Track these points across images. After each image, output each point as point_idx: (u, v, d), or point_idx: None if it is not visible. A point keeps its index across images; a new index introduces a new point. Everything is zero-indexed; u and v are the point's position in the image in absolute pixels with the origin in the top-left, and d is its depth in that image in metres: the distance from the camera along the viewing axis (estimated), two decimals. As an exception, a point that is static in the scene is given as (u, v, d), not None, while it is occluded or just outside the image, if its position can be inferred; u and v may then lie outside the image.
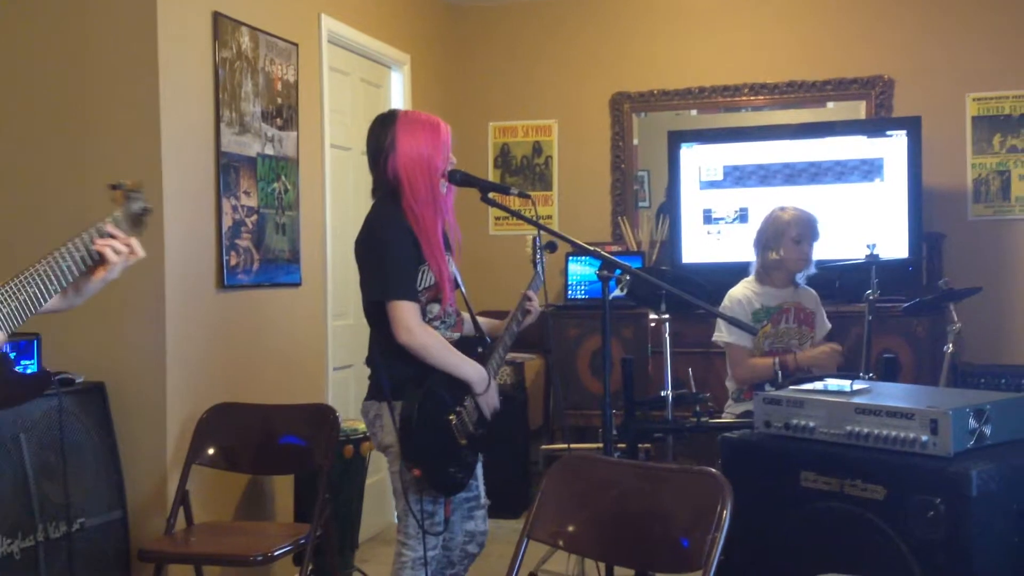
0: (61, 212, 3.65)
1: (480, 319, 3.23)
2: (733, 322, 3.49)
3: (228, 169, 3.94)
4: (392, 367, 2.95)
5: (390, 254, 2.93)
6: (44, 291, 1.94)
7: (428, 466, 2.93)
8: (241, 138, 4.02)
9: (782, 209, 4.20)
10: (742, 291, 4.17)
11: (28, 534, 3.17)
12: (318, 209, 4.64)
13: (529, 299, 3.22)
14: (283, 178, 4.31)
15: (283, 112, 4.32)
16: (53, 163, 3.69)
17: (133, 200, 2.12)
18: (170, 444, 3.63)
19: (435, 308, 3.01)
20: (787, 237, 4.11)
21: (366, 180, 3.12)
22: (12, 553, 3.11)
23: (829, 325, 4.33)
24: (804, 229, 4.12)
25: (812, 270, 4.21)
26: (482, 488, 3.20)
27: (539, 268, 3.27)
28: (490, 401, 3.07)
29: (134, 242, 2.07)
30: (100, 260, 2.03)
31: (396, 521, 3.14)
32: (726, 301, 4.17)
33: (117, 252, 2.04)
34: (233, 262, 3.96)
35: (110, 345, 3.58)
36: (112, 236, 2.04)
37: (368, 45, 5.17)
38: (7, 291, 1.91)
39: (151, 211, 2.17)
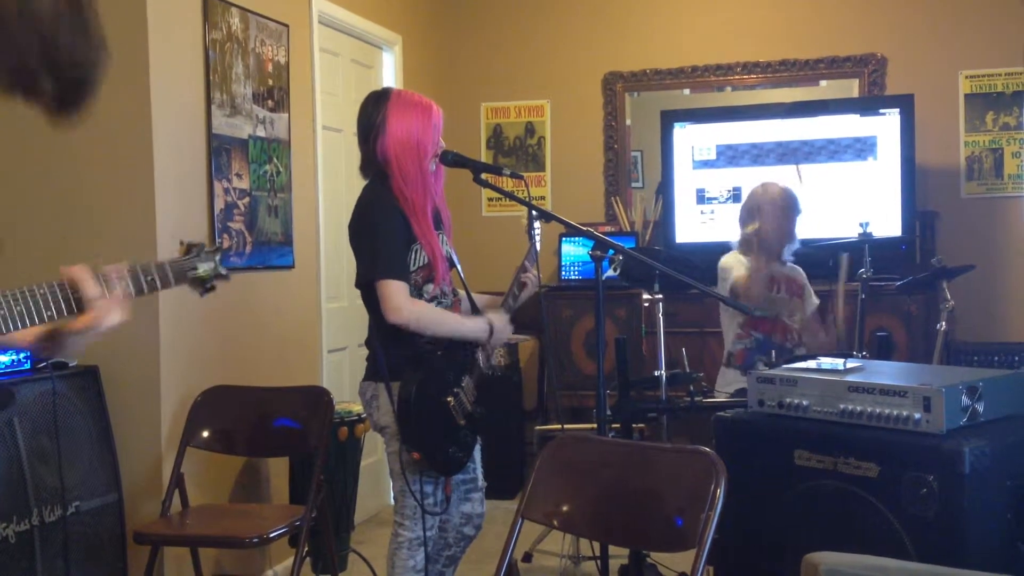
0: (51, 199, 3.64)
1: (478, 296, 3.23)
2: (727, 303, 3.49)
3: (220, 151, 3.92)
4: (390, 348, 2.95)
5: (379, 234, 2.92)
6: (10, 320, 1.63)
7: (427, 447, 2.93)
8: (232, 120, 4.00)
9: (762, 185, 4.23)
10: (734, 257, 4.20)
11: (23, 518, 3.17)
12: (310, 191, 4.63)
13: (525, 269, 3.20)
14: (275, 160, 4.30)
15: (274, 94, 4.30)
16: (43, 148, 3.67)
17: (202, 259, 1.91)
18: (164, 427, 3.63)
19: (430, 288, 3.00)
20: (765, 210, 4.13)
21: (358, 161, 3.11)
22: (7, 537, 3.11)
23: (817, 301, 4.36)
24: (783, 202, 4.14)
25: (796, 244, 4.22)
26: (480, 470, 3.20)
27: (534, 239, 3.24)
28: (500, 340, 3.08)
29: (111, 304, 1.72)
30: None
31: (392, 502, 3.15)
32: (724, 264, 4.18)
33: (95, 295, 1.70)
34: (226, 245, 3.95)
35: (103, 329, 3.57)
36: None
37: (359, 26, 5.15)
38: None
39: (221, 276, 1.92)
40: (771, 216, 4.13)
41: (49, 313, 1.67)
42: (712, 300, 4.17)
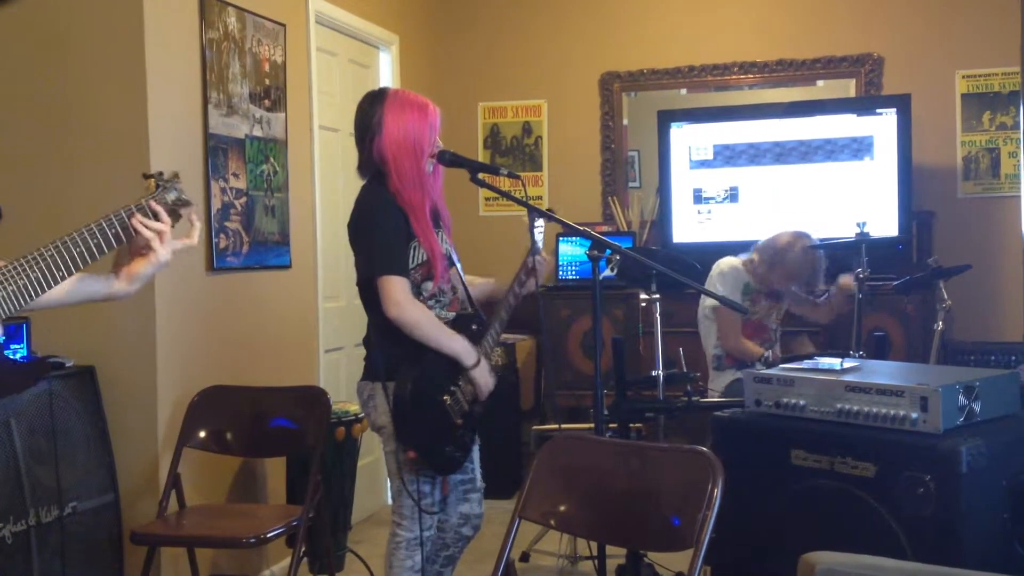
0: (47, 198, 3.64)
1: (478, 279, 3.21)
2: (724, 302, 3.50)
3: (216, 151, 3.92)
4: (387, 347, 2.94)
5: (378, 231, 2.92)
6: (48, 276, 1.82)
7: (423, 446, 2.93)
8: (229, 120, 4.00)
9: (800, 242, 4.25)
10: (733, 263, 4.25)
11: (20, 518, 3.17)
12: (307, 191, 4.62)
13: (526, 266, 3.16)
14: (272, 160, 4.30)
15: (271, 93, 4.29)
16: (40, 148, 3.67)
17: (167, 190, 2.06)
18: (161, 427, 3.63)
19: (429, 286, 3.00)
20: (784, 267, 4.23)
21: (355, 161, 3.10)
22: (4, 537, 3.11)
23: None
24: (802, 271, 4.27)
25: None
26: (478, 471, 3.20)
27: (535, 237, 3.21)
28: (482, 379, 3.05)
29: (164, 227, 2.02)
30: (135, 241, 1.98)
31: (390, 502, 3.15)
32: (722, 269, 4.23)
33: (151, 230, 1.99)
34: (223, 245, 3.94)
35: (100, 329, 3.57)
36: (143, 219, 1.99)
37: (356, 25, 5.14)
38: (5, 273, 1.79)
39: (189, 203, 2.10)
40: (784, 275, 4.25)
41: (109, 247, 1.92)
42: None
